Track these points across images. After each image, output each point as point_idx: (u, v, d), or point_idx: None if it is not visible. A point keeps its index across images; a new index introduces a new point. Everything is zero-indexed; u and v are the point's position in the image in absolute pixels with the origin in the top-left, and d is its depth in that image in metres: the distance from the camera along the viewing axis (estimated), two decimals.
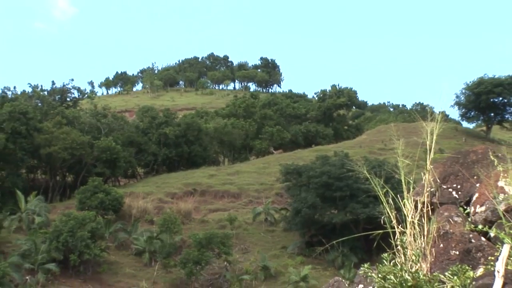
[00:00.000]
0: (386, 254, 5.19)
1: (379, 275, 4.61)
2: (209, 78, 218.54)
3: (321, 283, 40.61)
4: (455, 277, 4.51)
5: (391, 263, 4.94)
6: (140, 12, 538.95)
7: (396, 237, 5.37)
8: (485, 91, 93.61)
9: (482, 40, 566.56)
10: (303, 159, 75.44)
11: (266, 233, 63.43)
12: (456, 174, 6.51)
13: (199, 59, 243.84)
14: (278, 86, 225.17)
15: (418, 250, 5.16)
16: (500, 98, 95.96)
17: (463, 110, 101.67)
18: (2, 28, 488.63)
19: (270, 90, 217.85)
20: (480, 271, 4.62)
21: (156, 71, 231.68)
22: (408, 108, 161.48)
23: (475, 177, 6.28)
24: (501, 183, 5.61)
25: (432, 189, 5.99)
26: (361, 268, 5.23)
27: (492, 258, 4.71)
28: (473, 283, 3.84)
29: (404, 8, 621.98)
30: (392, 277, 4.47)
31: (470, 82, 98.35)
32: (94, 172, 70.93)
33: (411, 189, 5.47)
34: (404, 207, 5.36)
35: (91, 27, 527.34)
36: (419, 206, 5.37)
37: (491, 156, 6.05)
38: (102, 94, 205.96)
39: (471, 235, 5.43)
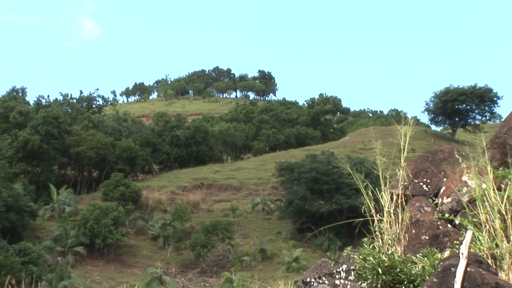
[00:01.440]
0: (366, 239, 5.20)
1: (360, 257, 4.61)
2: (215, 88, 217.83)
3: (310, 263, 40.52)
4: (425, 258, 4.51)
5: (371, 246, 4.95)
6: (155, 31, 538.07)
7: (374, 224, 5.37)
8: (451, 99, 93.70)
9: (448, 54, 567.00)
10: (295, 157, 75.31)
11: (263, 220, 63.40)
12: (426, 170, 6.50)
13: (206, 72, 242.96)
14: (274, 94, 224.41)
15: (393, 235, 5.16)
16: (464, 105, 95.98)
17: (432, 115, 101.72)
18: (38, 46, 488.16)
19: (266, 98, 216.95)
20: (446, 253, 4.62)
21: (169, 82, 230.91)
22: (385, 114, 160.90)
23: (442, 173, 6.27)
24: (464, 178, 5.61)
25: (405, 183, 5.99)
26: (345, 251, 5.23)
27: (457, 242, 4.70)
28: (441, 263, 3.84)
29: (383, 28, 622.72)
30: (371, 258, 4.46)
31: (438, 91, 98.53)
32: (116, 168, 70.79)
33: (388, 183, 5.46)
34: (382, 198, 5.36)
35: (113, 45, 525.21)
36: (395, 197, 5.37)
37: (456, 155, 6.05)
38: (123, 101, 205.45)
39: (439, 223, 5.43)
